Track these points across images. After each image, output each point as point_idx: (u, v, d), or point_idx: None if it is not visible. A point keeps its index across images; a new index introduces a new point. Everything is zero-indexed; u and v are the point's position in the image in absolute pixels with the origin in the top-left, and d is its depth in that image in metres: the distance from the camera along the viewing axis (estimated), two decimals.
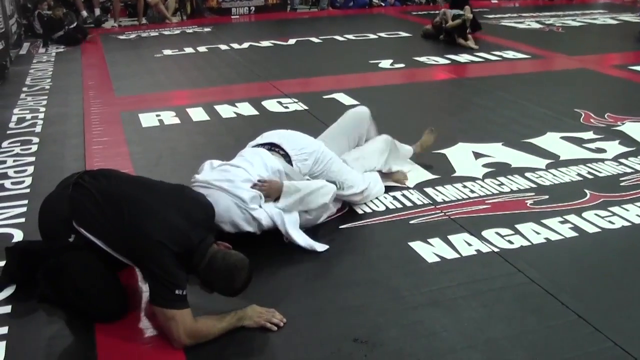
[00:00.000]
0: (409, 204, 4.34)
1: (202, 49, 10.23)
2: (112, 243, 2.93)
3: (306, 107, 6.67)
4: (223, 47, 10.46)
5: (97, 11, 13.30)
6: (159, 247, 2.82)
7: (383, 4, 15.44)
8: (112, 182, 3.10)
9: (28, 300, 3.25)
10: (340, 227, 3.99)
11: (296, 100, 6.90)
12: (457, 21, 10.30)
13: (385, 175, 4.66)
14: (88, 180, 3.08)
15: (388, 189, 4.54)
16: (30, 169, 5.21)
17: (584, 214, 4.13)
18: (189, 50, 10.24)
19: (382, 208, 4.27)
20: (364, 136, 4.68)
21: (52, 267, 3.10)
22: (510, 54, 9.56)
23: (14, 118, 6.66)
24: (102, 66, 9.18)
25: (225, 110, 6.61)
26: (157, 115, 6.50)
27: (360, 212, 4.22)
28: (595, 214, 4.13)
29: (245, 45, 10.59)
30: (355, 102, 6.70)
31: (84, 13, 13.04)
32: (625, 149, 5.33)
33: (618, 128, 5.88)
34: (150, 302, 2.91)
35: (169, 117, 6.42)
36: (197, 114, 6.53)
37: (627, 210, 4.19)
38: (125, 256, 2.94)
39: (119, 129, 6.09)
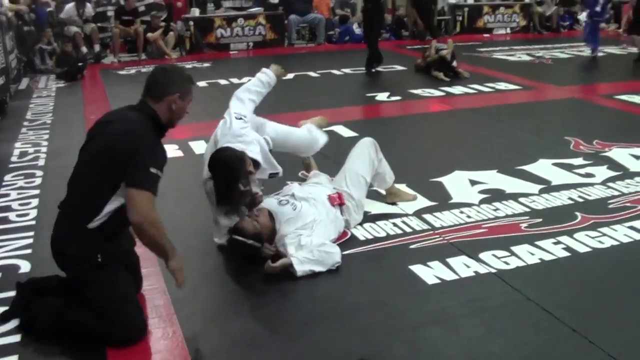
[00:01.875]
0: (408, 229, 4.53)
1: (202, 83, 10.45)
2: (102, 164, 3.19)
3: None
4: (223, 81, 10.70)
5: (97, 47, 13.51)
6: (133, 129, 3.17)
7: (379, 39, 15.73)
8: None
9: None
10: (344, 252, 4.15)
11: None
12: (435, 56, 10.64)
13: (391, 195, 4.94)
14: None
15: (388, 216, 4.74)
16: (35, 202, 5.35)
17: (575, 235, 4.34)
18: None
19: (382, 234, 4.47)
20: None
21: (74, 287, 3.27)
22: (502, 85, 9.84)
23: (16, 152, 6.83)
24: (103, 100, 9.37)
25: (200, 147, 6.75)
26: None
27: (362, 238, 4.41)
28: (586, 235, 4.34)
29: (245, 79, 10.73)
30: (354, 134, 6.94)
31: (84, 49, 13.25)
32: (613, 174, 5.56)
33: (606, 154, 6.12)
34: (127, 186, 3.10)
35: (172, 150, 6.58)
36: (200, 147, 6.71)
37: (616, 230, 4.41)
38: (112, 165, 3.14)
39: None
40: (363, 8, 11.14)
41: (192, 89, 3.45)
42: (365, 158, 4.72)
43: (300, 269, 3.84)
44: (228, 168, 3.96)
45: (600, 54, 13.11)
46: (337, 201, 4.43)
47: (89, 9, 13.55)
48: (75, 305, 3.28)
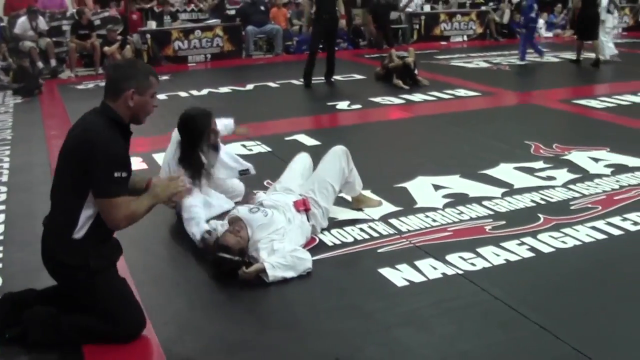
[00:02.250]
0: (375, 234, 4.57)
1: (162, 96, 10.35)
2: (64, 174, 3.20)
3: (269, 149, 6.91)
4: (182, 94, 10.67)
5: (53, 62, 13.31)
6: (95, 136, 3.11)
7: (336, 48, 15.82)
8: None
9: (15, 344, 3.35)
10: (313, 258, 4.16)
11: (259, 143, 7.11)
12: (398, 62, 10.75)
13: (357, 201, 4.97)
14: None
15: (355, 222, 4.78)
16: (2, 217, 5.30)
17: (539, 236, 4.42)
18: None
19: (350, 239, 4.50)
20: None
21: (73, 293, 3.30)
22: (461, 92, 9.98)
23: None
24: (63, 116, 9.25)
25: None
26: None
27: (330, 244, 4.44)
28: (549, 236, 4.43)
29: (205, 92, 10.82)
30: (317, 142, 6.98)
31: (40, 64, 13.07)
32: (573, 176, 5.68)
33: (566, 157, 6.24)
34: (95, 197, 3.09)
35: (137, 163, 6.54)
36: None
37: (578, 231, 4.51)
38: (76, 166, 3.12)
39: None
40: (319, 19, 10.93)
41: (151, 82, 3.27)
42: (335, 166, 4.74)
43: (273, 274, 3.85)
44: (195, 122, 4.56)
45: (556, 60, 13.38)
46: (303, 207, 4.44)
47: (42, 22, 13.35)
48: (71, 310, 3.29)
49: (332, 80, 11.29)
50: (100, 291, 3.22)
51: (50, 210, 3.31)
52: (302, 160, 5.02)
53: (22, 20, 13.16)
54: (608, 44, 12.96)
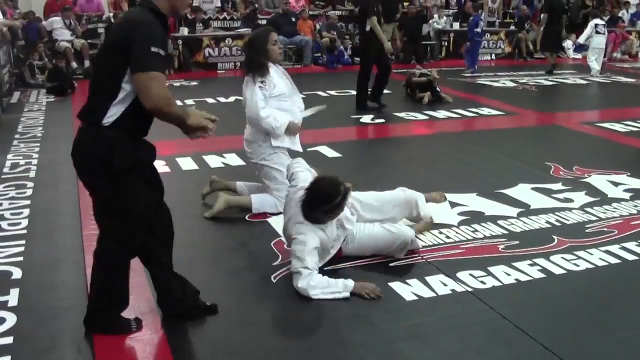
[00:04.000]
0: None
1: (189, 101, 10.53)
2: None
3: (290, 159, 6.96)
4: (210, 100, 10.79)
5: (87, 63, 13.55)
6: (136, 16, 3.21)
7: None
8: None
9: (30, 332, 3.50)
10: (325, 269, 4.24)
11: None
12: (423, 79, 10.80)
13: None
14: None
15: None
16: (26, 212, 5.45)
17: (552, 257, 4.45)
18: (177, 102, 10.53)
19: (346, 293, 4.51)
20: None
21: None
22: (485, 111, 9.99)
23: (8, 163, 6.92)
24: None
25: (214, 161, 6.90)
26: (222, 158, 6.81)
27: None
28: (562, 257, 4.45)
29: (232, 99, 10.91)
30: (338, 155, 7.05)
31: (74, 64, 13.34)
32: (591, 199, 5.69)
33: (585, 180, 6.25)
34: (132, 72, 3.07)
35: (160, 166, 6.58)
36: (187, 164, 6.81)
37: (591, 254, 4.52)
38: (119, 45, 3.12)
39: None
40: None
41: None
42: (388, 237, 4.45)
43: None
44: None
45: (583, 82, 13.37)
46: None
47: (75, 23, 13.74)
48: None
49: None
50: (118, 199, 3.24)
51: (86, 105, 3.30)
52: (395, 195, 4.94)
53: (56, 19, 13.51)
54: (592, 63, 14.08)
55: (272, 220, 5.16)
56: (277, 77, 5.16)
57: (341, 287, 3.89)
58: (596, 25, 14.31)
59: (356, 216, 4.48)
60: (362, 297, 3.86)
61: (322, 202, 4.03)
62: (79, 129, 3.33)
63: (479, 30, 14.60)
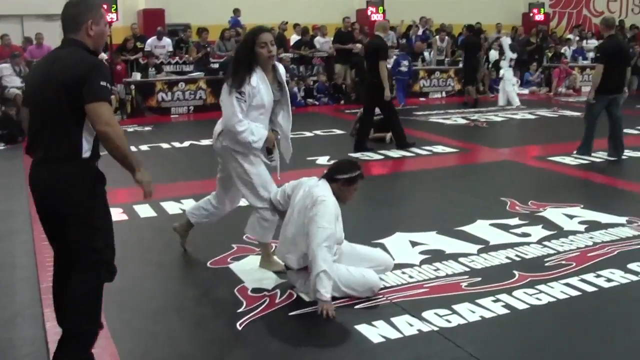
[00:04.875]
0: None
1: (144, 147, 10.45)
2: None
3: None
4: (164, 145, 10.73)
5: None
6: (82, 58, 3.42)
7: (317, 103, 16.07)
8: None
9: None
10: (290, 314, 4.23)
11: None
12: (379, 117, 10.94)
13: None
14: None
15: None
16: None
17: (514, 293, 4.49)
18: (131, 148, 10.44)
19: (328, 295, 4.52)
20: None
21: None
22: (439, 149, 10.13)
23: None
24: None
25: (172, 207, 6.84)
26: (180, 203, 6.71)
27: (307, 299, 4.47)
28: (524, 292, 4.50)
29: (186, 143, 10.88)
30: None
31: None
32: (548, 233, 5.79)
33: (541, 214, 6.36)
34: (86, 103, 3.28)
35: (117, 214, 6.56)
36: (144, 211, 6.73)
37: (552, 287, 4.59)
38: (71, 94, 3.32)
39: None
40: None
41: (103, 12, 3.64)
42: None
43: None
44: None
45: (532, 117, 13.69)
46: None
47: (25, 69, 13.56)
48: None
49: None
50: (97, 218, 3.46)
51: (41, 146, 3.43)
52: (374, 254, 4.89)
53: (5, 65, 13.36)
54: (512, 95, 15.13)
55: (233, 267, 5.13)
56: (261, 84, 4.77)
57: (325, 290, 4.15)
58: (511, 59, 15.53)
59: (337, 256, 4.49)
60: (320, 311, 4.11)
61: (342, 172, 4.54)
62: (47, 167, 3.43)
63: (402, 69, 15.49)
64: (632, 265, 4.97)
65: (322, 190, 4.49)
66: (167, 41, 16.55)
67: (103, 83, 3.37)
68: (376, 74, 9.82)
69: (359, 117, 11.25)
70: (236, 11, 17.93)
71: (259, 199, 4.99)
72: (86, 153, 3.41)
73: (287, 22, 17.85)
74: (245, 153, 4.89)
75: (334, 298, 4.29)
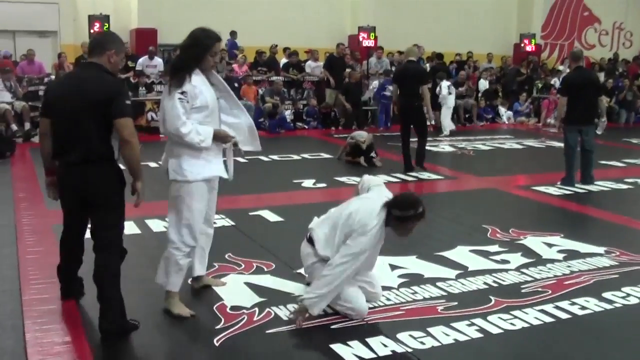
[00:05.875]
0: (330, 311, 4.64)
1: None
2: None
3: (233, 223, 7.01)
4: (152, 164, 10.71)
5: (27, 125, 13.34)
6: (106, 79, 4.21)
7: (306, 127, 16.16)
8: None
9: None
10: (267, 331, 4.28)
11: (223, 217, 7.21)
12: (352, 141, 11.20)
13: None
14: None
15: None
16: None
17: (489, 317, 4.57)
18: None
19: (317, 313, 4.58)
20: None
21: None
22: (425, 175, 10.23)
23: None
24: (32, 179, 9.29)
25: (157, 225, 6.87)
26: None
27: (285, 318, 4.53)
28: (499, 317, 4.58)
29: None
30: (280, 219, 7.12)
31: (14, 126, 13.10)
32: (526, 260, 5.88)
33: (521, 242, 6.45)
34: (115, 119, 4.06)
35: (128, 227, 6.58)
36: (129, 228, 6.71)
37: (527, 313, 4.67)
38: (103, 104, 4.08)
39: (53, 239, 6.27)
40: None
41: (124, 47, 4.54)
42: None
43: None
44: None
45: (520, 146, 13.82)
46: None
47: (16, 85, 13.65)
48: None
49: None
50: (121, 204, 4.34)
51: (79, 152, 4.14)
52: None
53: None
54: (446, 120, 15.56)
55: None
56: (202, 85, 4.49)
57: (319, 308, 4.38)
58: (448, 86, 15.93)
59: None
60: (296, 313, 4.39)
61: (397, 207, 4.41)
62: (88, 168, 4.17)
63: (387, 93, 15.90)
64: (607, 294, 5.06)
65: (375, 219, 4.39)
66: (158, 61, 16.67)
67: (128, 102, 4.16)
68: (417, 97, 10.46)
69: (348, 142, 11.39)
70: (233, 34, 18.02)
71: (179, 236, 4.60)
72: (115, 155, 4.23)
73: (277, 45, 17.99)
74: (189, 182, 4.53)
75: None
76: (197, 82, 4.46)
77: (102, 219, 4.29)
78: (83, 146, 4.12)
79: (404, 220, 4.40)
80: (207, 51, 4.54)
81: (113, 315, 4.18)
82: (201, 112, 4.49)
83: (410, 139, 10.70)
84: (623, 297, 5.03)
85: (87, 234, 4.50)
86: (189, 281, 5.12)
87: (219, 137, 4.61)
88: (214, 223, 5.12)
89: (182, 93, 4.37)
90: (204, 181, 4.61)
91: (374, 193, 4.78)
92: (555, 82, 20.29)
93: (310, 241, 4.73)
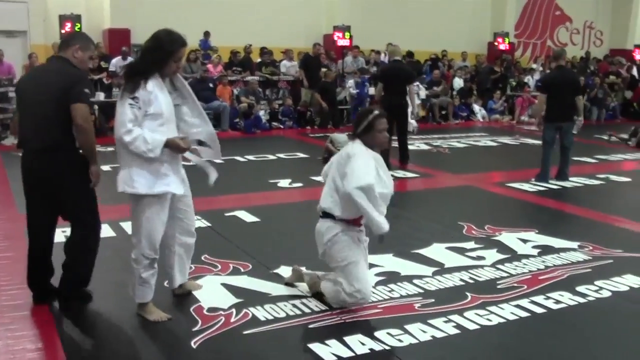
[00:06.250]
0: (307, 310, 4.67)
1: (106, 167, 10.28)
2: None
3: (209, 224, 6.98)
4: None
5: None
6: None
7: (282, 127, 16.14)
8: None
9: None
10: (245, 332, 4.27)
11: (199, 218, 7.14)
12: (329, 145, 11.15)
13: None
14: None
15: (288, 298, 4.89)
16: None
17: (465, 314, 4.60)
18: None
19: (283, 315, 4.59)
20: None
21: None
22: (400, 174, 10.26)
23: None
24: (3, 182, 9.22)
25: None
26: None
27: (262, 319, 4.52)
28: (475, 313, 4.61)
29: None
30: (256, 219, 7.10)
31: None
32: (502, 256, 5.92)
33: (496, 238, 6.50)
34: (70, 103, 4.29)
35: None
36: (104, 231, 6.62)
37: (503, 309, 4.71)
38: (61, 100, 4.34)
39: (24, 244, 6.19)
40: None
41: (92, 47, 4.70)
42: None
43: None
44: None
45: (494, 144, 13.92)
46: None
47: None
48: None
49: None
50: (88, 188, 4.64)
51: (39, 136, 4.42)
52: None
53: None
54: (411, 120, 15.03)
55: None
56: (158, 91, 4.26)
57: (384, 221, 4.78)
58: (417, 85, 16.01)
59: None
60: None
61: (359, 124, 4.71)
62: (48, 153, 4.44)
63: (366, 91, 16.50)
64: (580, 288, 5.12)
65: (354, 147, 4.64)
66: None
67: (86, 90, 4.37)
68: (404, 95, 10.84)
69: (326, 145, 11.38)
70: (207, 34, 17.95)
71: (137, 249, 4.48)
72: (76, 144, 4.44)
73: (251, 45, 17.95)
74: (140, 195, 4.37)
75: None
76: (153, 88, 4.22)
77: (74, 204, 4.58)
78: (46, 134, 4.38)
79: (368, 127, 4.66)
80: (171, 57, 4.30)
81: (73, 284, 4.68)
82: (155, 119, 4.24)
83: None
84: (596, 291, 5.10)
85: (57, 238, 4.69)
86: (165, 283, 5.09)
87: (173, 147, 4.32)
88: (194, 233, 4.95)
89: (134, 99, 4.16)
90: (156, 196, 4.38)
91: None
92: (529, 80, 20.50)
93: (324, 215, 4.78)
